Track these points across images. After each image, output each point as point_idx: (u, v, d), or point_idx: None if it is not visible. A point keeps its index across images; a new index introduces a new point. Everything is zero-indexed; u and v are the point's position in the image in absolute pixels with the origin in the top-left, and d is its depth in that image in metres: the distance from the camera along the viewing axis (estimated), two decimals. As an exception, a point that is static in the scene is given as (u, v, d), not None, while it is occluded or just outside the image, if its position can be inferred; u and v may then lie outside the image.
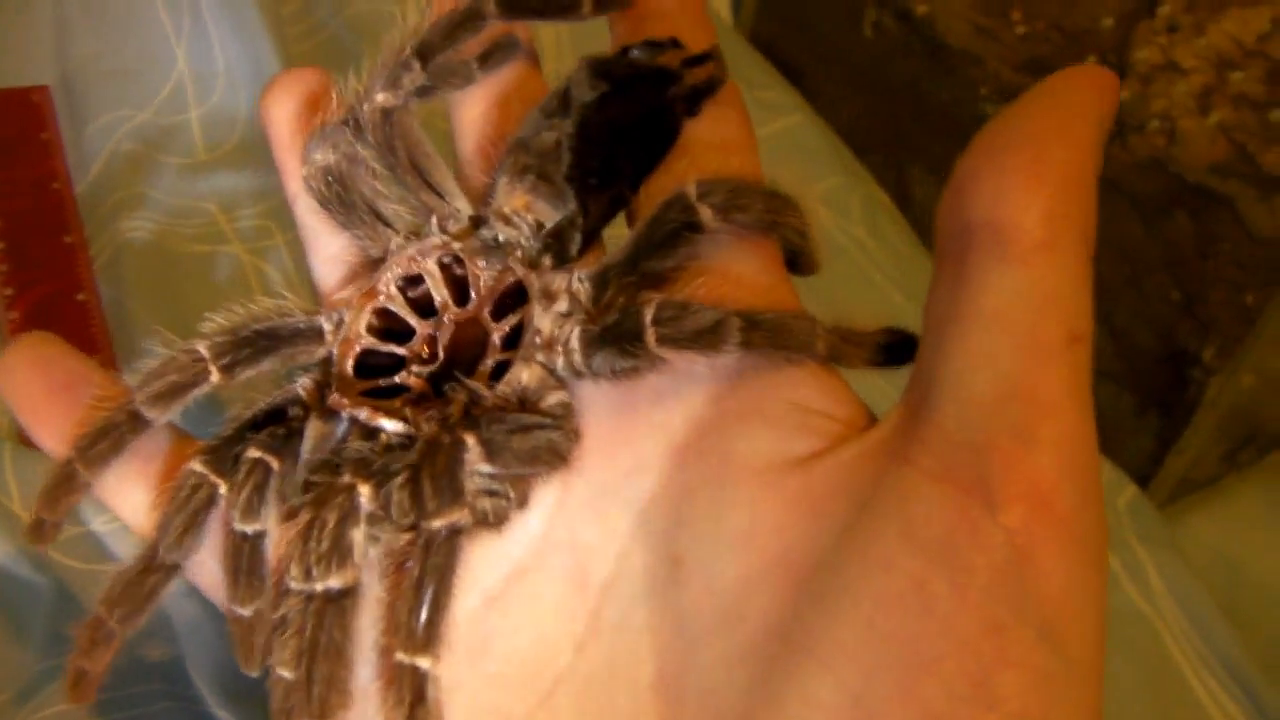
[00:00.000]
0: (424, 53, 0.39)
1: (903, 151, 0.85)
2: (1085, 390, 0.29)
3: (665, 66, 0.40)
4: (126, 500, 0.39)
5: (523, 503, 0.35)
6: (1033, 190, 0.29)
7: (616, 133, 0.39)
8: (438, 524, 0.33)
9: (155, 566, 0.36)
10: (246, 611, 0.36)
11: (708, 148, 0.39)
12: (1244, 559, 0.70)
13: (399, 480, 0.33)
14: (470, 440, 0.33)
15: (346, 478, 0.34)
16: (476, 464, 0.33)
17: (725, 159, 0.39)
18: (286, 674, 0.33)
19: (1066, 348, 0.29)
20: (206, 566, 0.37)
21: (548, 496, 0.36)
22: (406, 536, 0.33)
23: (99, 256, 0.75)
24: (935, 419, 0.30)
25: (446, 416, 0.36)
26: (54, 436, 0.39)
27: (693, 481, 0.34)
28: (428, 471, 0.33)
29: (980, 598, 0.28)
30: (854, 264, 0.78)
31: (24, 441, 0.66)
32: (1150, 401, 0.75)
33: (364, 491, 0.33)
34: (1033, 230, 0.29)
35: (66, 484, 0.38)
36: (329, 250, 0.42)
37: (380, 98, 0.39)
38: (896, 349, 0.35)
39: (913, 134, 0.76)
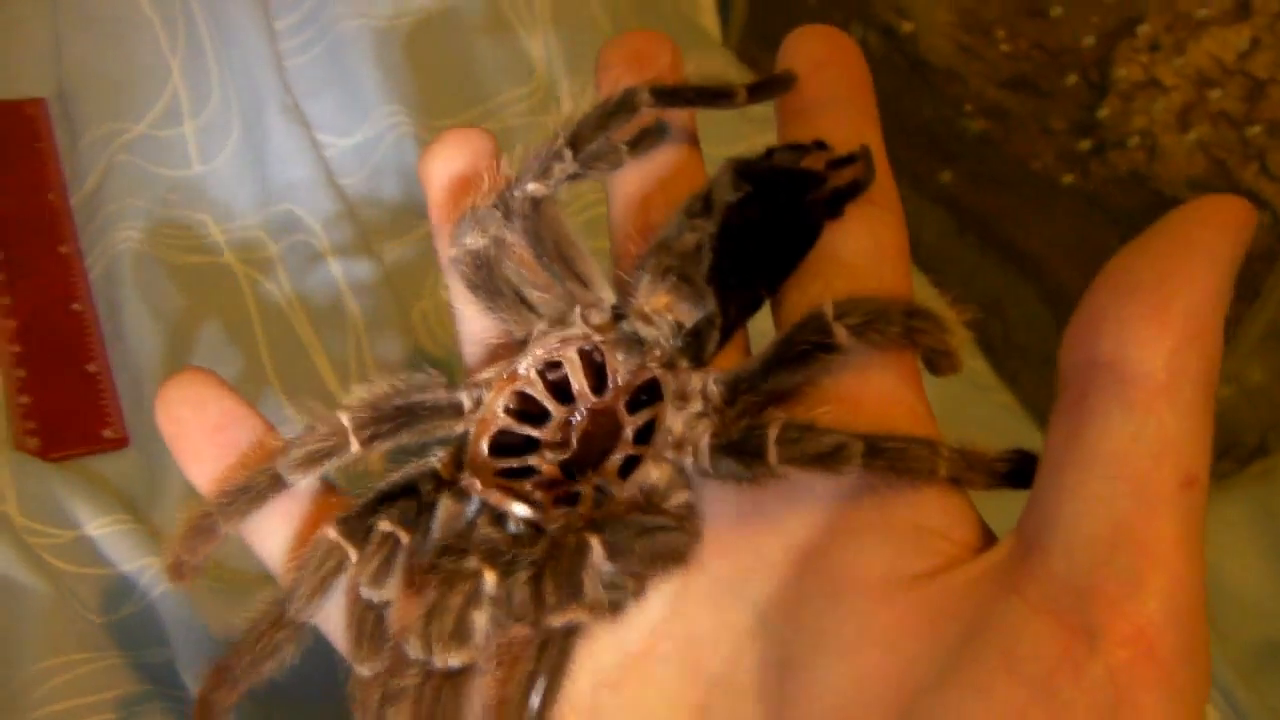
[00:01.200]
0: (576, 142, 0.40)
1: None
2: (1197, 536, 0.29)
3: (808, 170, 0.40)
4: (267, 542, 0.41)
5: (639, 594, 0.36)
6: (1156, 335, 0.29)
7: (757, 235, 0.40)
8: (556, 622, 0.34)
9: (284, 623, 0.38)
10: (367, 672, 0.37)
11: (858, 252, 0.39)
12: (1222, 567, 0.70)
13: (523, 575, 0.35)
14: (595, 542, 0.35)
15: (474, 563, 0.35)
16: (600, 564, 0.34)
17: (876, 263, 0.39)
18: None
19: (1181, 493, 0.29)
20: (332, 619, 0.39)
21: (671, 585, 0.37)
22: (524, 627, 0.35)
23: (94, 266, 0.76)
24: (1046, 556, 0.30)
25: (574, 513, 0.37)
26: (204, 476, 0.41)
27: (810, 588, 0.35)
28: (551, 570, 0.34)
29: None
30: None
31: (19, 447, 0.67)
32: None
33: (489, 579, 0.35)
34: (1154, 375, 0.29)
35: (206, 533, 0.40)
36: (473, 327, 0.43)
37: (531, 187, 0.41)
38: (1019, 474, 0.35)
39: (897, 151, 0.76)
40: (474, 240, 0.41)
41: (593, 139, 0.40)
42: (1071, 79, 0.74)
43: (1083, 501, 0.30)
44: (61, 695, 0.58)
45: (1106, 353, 0.30)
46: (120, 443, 0.69)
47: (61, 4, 0.87)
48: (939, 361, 0.37)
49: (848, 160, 0.40)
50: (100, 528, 0.63)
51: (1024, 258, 0.80)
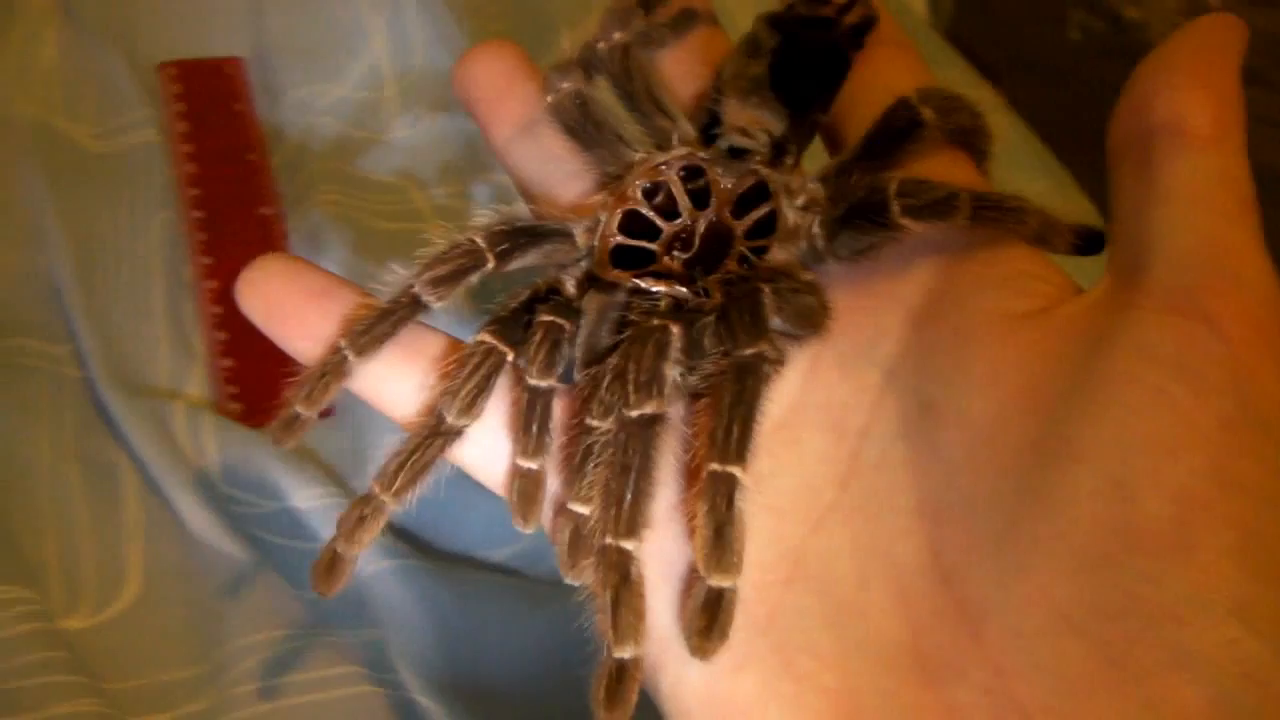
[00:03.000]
0: (646, 3, 0.46)
1: (1104, 158, 0.83)
2: (1263, 245, 0.35)
3: (824, 15, 0.46)
4: (390, 388, 0.41)
5: (780, 364, 0.39)
6: (1204, 98, 0.36)
7: (800, 69, 0.45)
8: (748, 352, 0.37)
9: (440, 432, 0.39)
10: (534, 465, 0.39)
11: (891, 76, 0.45)
12: None
13: (709, 320, 0.38)
14: (767, 289, 0.38)
15: (656, 321, 0.38)
16: (771, 309, 0.38)
17: (910, 85, 0.44)
18: (583, 509, 0.37)
19: (1246, 212, 0.35)
20: (476, 442, 0.40)
21: (801, 364, 0.40)
22: (715, 369, 0.38)
23: (295, 230, 0.75)
24: (1150, 272, 0.35)
25: (727, 277, 0.40)
26: (309, 339, 0.41)
27: (933, 339, 0.39)
28: (735, 310, 0.38)
29: (1213, 399, 0.33)
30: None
31: (222, 411, 0.66)
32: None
33: (674, 330, 0.37)
34: (1207, 127, 0.35)
35: (335, 371, 0.40)
36: (560, 172, 0.46)
37: (617, 36, 0.45)
38: (1090, 241, 0.39)
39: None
40: (570, 83, 0.45)
41: (661, 1, 0.47)
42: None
43: (1171, 224, 0.35)
44: (265, 672, 0.57)
45: (1163, 118, 0.36)
46: (325, 413, 0.67)
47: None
48: (982, 150, 0.43)
49: (850, 6, 0.46)
50: (307, 500, 0.62)
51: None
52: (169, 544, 0.62)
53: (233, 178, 0.76)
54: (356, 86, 0.82)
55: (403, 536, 0.62)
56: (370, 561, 0.59)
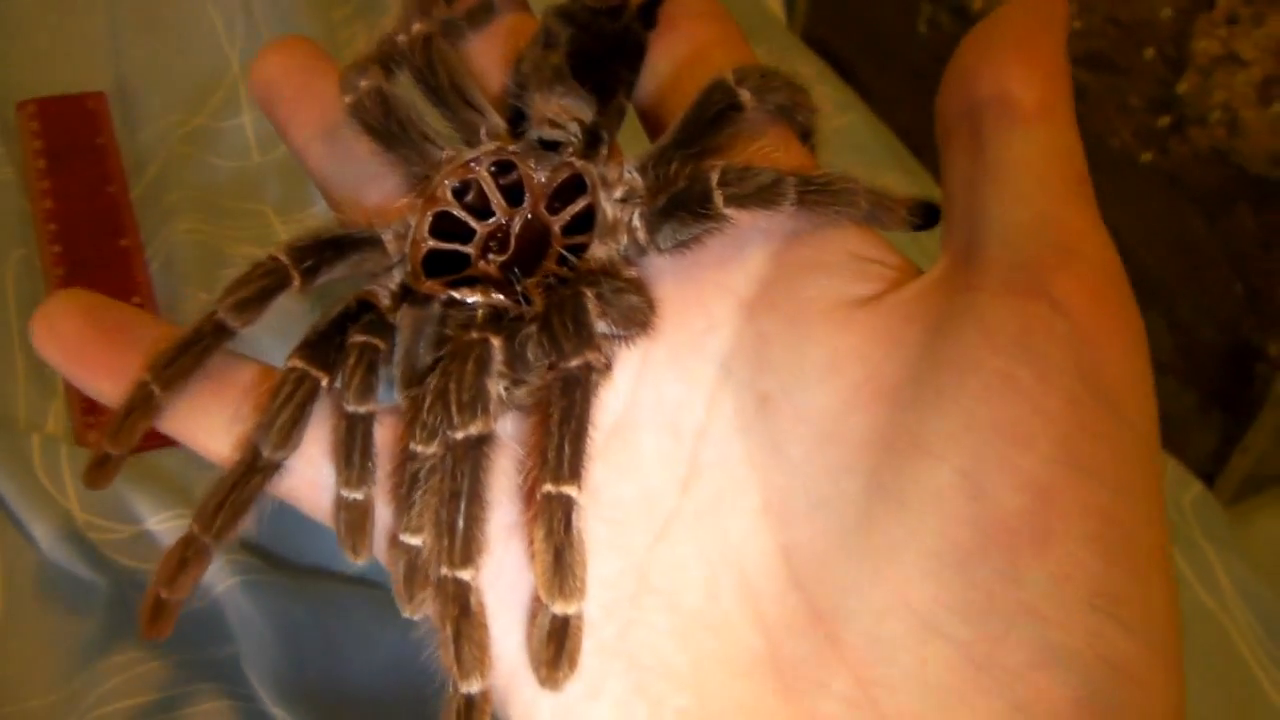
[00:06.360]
0: None
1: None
2: (1100, 218, 0.35)
3: (611, 4, 0.44)
4: (202, 424, 0.38)
5: (608, 368, 0.37)
6: (1030, 72, 0.35)
7: (596, 57, 0.43)
8: (574, 363, 0.35)
9: (257, 468, 0.37)
10: (359, 495, 0.37)
11: (694, 46, 0.43)
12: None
13: (531, 330, 0.36)
14: (589, 293, 0.36)
15: (475, 334, 0.35)
16: (595, 315, 0.36)
17: (719, 53, 0.43)
18: (415, 541, 0.35)
19: (1080, 185, 0.35)
20: (297, 473, 0.38)
21: (630, 363, 0.38)
22: (541, 383, 0.36)
23: (154, 259, 0.76)
24: (986, 250, 0.35)
25: (547, 280, 0.38)
26: (111, 378, 0.38)
27: (767, 329, 0.37)
28: (558, 317, 0.35)
29: (1058, 380, 0.32)
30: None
31: (80, 441, 0.67)
32: (1213, 398, 0.74)
33: (495, 343, 0.35)
34: (1035, 100, 0.35)
35: (141, 408, 0.37)
36: (364, 175, 0.43)
37: (417, 27, 0.42)
38: (925, 215, 0.39)
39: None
40: (369, 81, 0.41)
41: None
42: (1149, 54, 0.72)
43: (1004, 201, 0.35)
44: (123, 694, 0.58)
45: (990, 92, 0.35)
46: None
47: (119, -1, 0.87)
48: (808, 125, 0.42)
49: None
50: (162, 523, 0.62)
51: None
52: (26, 573, 0.62)
53: (92, 211, 0.77)
54: (215, 115, 0.83)
55: (255, 552, 0.63)
56: (221, 579, 0.60)
